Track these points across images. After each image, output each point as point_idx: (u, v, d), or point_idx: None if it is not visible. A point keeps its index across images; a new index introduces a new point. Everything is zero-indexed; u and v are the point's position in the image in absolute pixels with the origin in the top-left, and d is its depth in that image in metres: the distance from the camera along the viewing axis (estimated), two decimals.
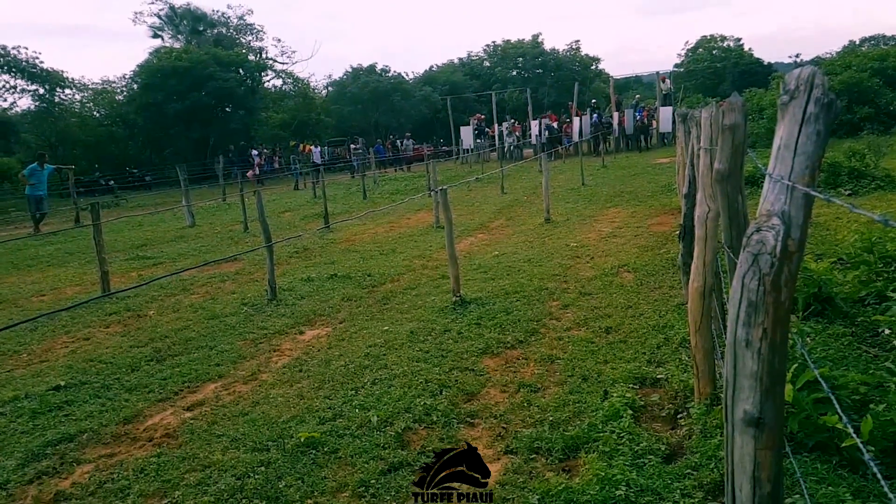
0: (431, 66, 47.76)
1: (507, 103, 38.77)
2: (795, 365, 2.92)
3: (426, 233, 10.42)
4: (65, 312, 6.32)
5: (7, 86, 30.77)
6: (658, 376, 3.87)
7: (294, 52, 40.89)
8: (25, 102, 32.35)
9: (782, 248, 1.14)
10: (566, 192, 13.89)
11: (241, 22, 40.64)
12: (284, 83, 41.36)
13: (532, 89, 34.99)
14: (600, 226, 9.48)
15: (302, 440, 3.44)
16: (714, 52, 51.95)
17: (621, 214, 10.31)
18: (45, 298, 7.62)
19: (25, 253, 11.56)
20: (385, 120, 38.92)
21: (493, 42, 48.38)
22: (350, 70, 41.60)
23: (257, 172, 28.22)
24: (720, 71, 49.47)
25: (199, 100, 31.44)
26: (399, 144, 31.63)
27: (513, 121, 28.67)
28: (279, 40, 41.31)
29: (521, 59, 46.73)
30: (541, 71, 45.74)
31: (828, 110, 1.16)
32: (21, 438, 3.80)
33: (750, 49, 51.97)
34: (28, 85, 31.15)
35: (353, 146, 30.24)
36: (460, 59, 48.88)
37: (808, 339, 4.05)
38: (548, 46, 46.90)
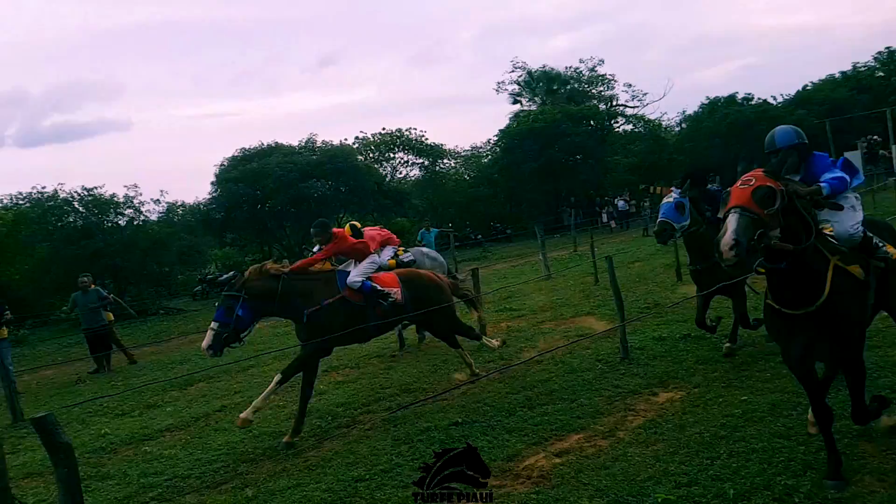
0: (805, 85, 42.28)
1: None
2: None
3: None
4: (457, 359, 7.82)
5: (402, 161, 38.84)
6: None
7: (645, 94, 40.35)
8: (414, 173, 39.97)
9: None
10: None
11: (593, 74, 42.32)
12: (634, 127, 41.71)
13: None
14: None
15: (659, 501, 3.74)
16: None
17: None
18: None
19: None
20: (747, 153, 35.91)
21: (888, 48, 40.54)
22: (706, 102, 39.57)
23: (613, 225, 29.63)
24: None
25: (552, 156, 34.12)
26: None
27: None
28: (630, 85, 41.24)
29: None
30: None
31: None
32: None
33: None
34: (417, 159, 38.77)
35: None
36: (842, 72, 42.22)
37: None
38: None
